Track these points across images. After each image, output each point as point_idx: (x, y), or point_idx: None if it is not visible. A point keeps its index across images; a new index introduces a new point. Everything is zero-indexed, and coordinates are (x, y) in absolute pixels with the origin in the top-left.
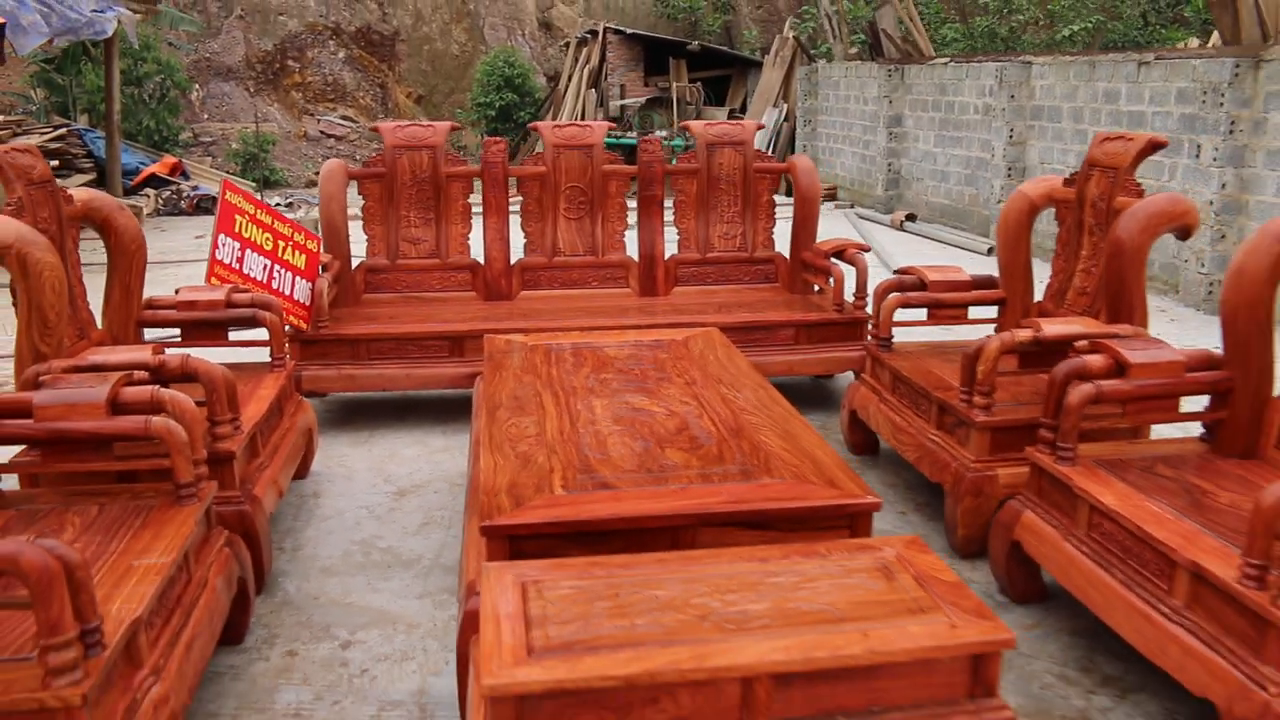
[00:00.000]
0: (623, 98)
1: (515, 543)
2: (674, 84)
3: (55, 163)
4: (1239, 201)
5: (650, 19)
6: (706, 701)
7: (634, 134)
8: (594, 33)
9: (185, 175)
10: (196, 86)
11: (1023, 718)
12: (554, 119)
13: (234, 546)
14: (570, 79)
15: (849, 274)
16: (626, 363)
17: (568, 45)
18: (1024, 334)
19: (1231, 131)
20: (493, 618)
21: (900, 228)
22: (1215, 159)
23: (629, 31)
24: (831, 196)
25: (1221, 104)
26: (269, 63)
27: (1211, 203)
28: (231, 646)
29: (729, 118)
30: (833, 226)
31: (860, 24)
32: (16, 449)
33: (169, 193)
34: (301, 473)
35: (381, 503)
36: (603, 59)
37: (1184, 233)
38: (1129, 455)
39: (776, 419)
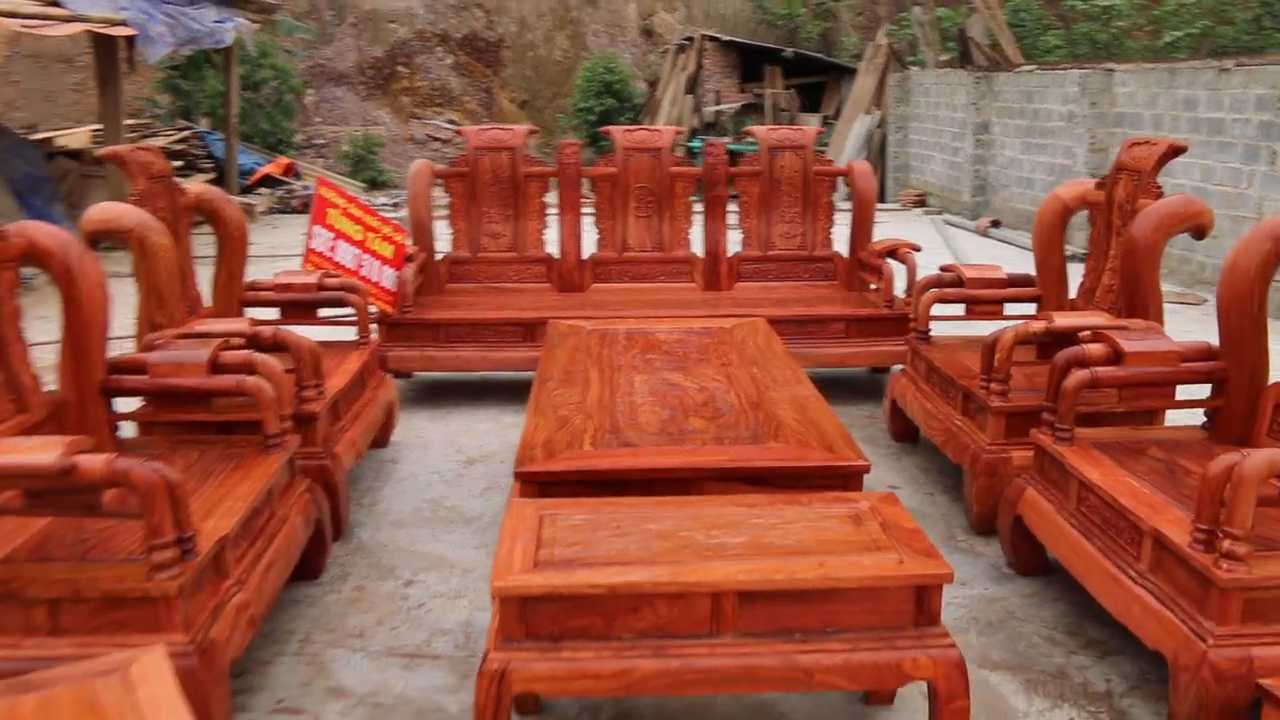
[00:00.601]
0: (718, 103)
1: (544, 488)
2: (768, 90)
3: (179, 163)
4: None
5: (750, 25)
6: (681, 613)
7: (728, 139)
8: (691, 39)
9: (298, 176)
10: (310, 91)
11: (1004, 670)
12: (651, 124)
13: (313, 494)
14: (668, 85)
15: (900, 272)
16: (673, 346)
17: (667, 52)
18: (1037, 325)
19: None
20: (510, 537)
21: (984, 234)
22: None
23: (725, 38)
24: (921, 202)
25: None
26: (379, 68)
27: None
28: (309, 581)
29: (822, 123)
30: (917, 232)
31: (951, 32)
32: (136, 404)
33: (281, 192)
34: (382, 441)
35: (451, 469)
36: (699, 65)
37: (1198, 233)
38: (1127, 439)
39: (796, 396)
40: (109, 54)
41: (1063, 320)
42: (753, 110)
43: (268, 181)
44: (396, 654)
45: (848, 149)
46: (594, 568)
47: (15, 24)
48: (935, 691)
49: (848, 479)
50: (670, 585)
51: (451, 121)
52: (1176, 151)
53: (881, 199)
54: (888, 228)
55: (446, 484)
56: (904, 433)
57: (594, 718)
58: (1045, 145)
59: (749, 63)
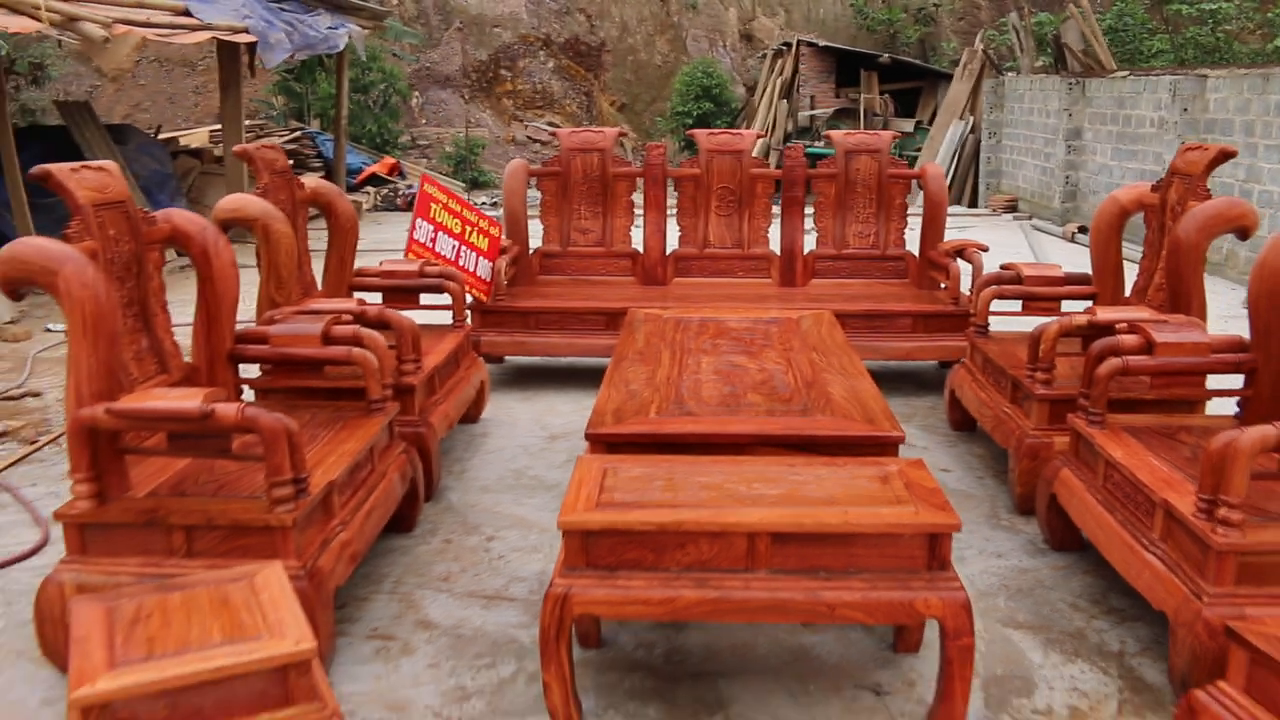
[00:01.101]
0: (813, 108)
1: (611, 449)
2: (863, 95)
3: (290, 161)
4: None
5: (850, 31)
6: (720, 550)
7: (822, 143)
8: (789, 45)
9: (402, 175)
10: (416, 93)
11: (1026, 630)
12: (748, 128)
13: (409, 456)
14: (764, 90)
15: (969, 272)
16: (741, 333)
17: (764, 57)
18: (1080, 319)
19: None
20: (577, 484)
21: (1072, 239)
22: None
23: (822, 44)
24: (1012, 208)
25: None
26: (483, 71)
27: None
28: (403, 534)
29: (916, 129)
30: (1004, 237)
31: (1047, 38)
32: (255, 372)
33: (387, 190)
34: (474, 417)
35: (536, 443)
36: (795, 70)
37: (1243, 234)
38: (1159, 425)
39: (849, 378)
40: (232, 60)
41: (1104, 314)
42: (847, 115)
43: (374, 180)
44: (477, 596)
45: (940, 154)
46: (647, 509)
47: (150, 33)
48: (944, 629)
49: (884, 448)
50: (712, 525)
51: (551, 124)
52: (1226, 156)
53: (973, 204)
54: (976, 233)
55: (530, 456)
56: (962, 422)
57: (649, 653)
58: (1136, 151)
59: (845, 68)
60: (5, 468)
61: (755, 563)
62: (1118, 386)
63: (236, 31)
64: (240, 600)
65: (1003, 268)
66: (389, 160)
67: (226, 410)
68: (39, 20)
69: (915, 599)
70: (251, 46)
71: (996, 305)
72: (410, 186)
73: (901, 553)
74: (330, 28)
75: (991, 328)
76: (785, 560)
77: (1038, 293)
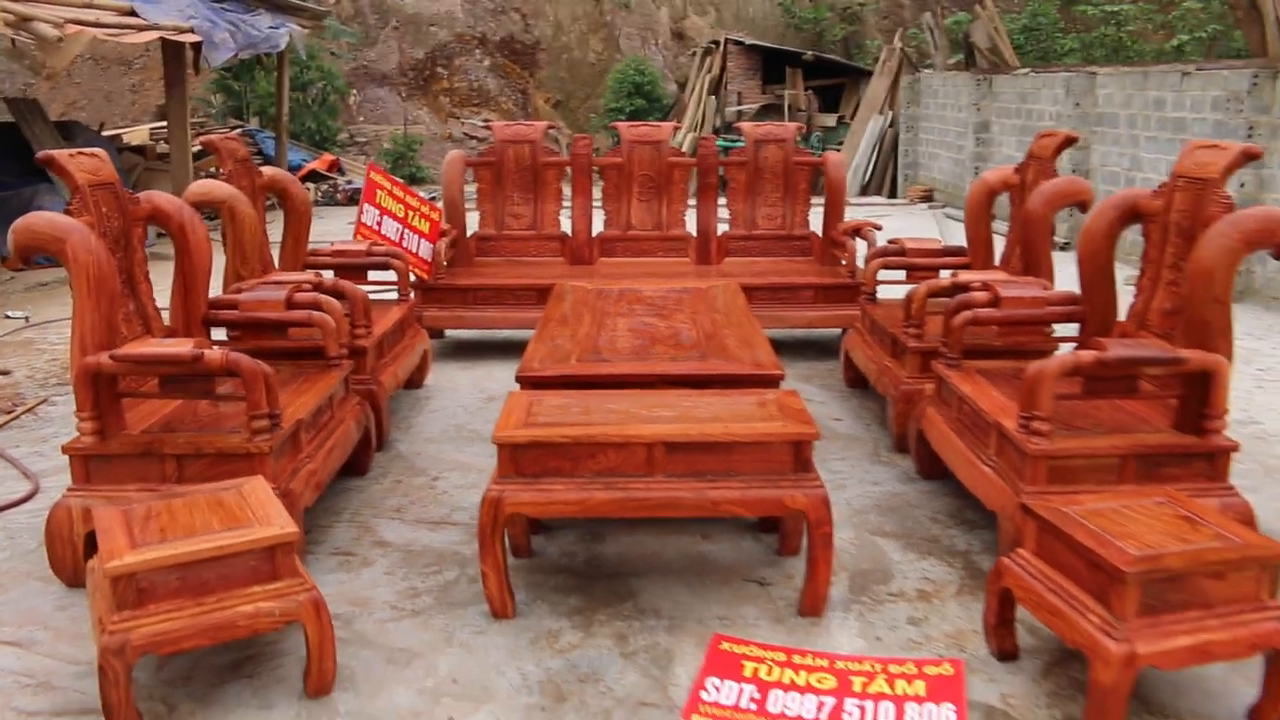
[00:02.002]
0: (740, 104)
1: (537, 388)
2: (788, 92)
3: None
4: (1257, 199)
5: (779, 29)
6: (625, 459)
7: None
8: (717, 43)
9: (341, 171)
10: (354, 91)
11: (890, 537)
12: (679, 123)
13: (363, 407)
14: (694, 87)
15: (864, 249)
16: (655, 300)
17: (695, 54)
18: (945, 281)
19: (1250, 136)
20: (508, 412)
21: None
22: None
23: (749, 42)
24: (928, 198)
25: (1241, 111)
26: (420, 70)
27: (1270, 205)
28: (358, 477)
29: (838, 124)
30: (919, 225)
31: (958, 37)
32: (223, 336)
33: (327, 186)
34: (418, 383)
35: (474, 404)
36: (724, 68)
37: (1082, 207)
38: (1005, 368)
39: (744, 332)
40: (177, 59)
41: (965, 276)
42: (773, 111)
43: (313, 177)
44: (425, 522)
45: (861, 147)
46: (564, 427)
47: (99, 32)
48: (808, 519)
49: (767, 384)
50: (617, 436)
51: (487, 121)
52: (1070, 142)
53: (893, 195)
54: (893, 220)
55: (469, 414)
56: (855, 380)
57: (572, 560)
58: None
59: (771, 65)
60: None
61: (653, 468)
62: (973, 336)
63: (182, 31)
64: (232, 502)
65: (889, 243)
66: (328, 157)
67: (212, 355)
68: None
69: (784, 495)
70: (196, 46)
71: (884, 275)
72: (350, 182)
73: (772, 458)
74: (271, 27)
75: (881, 296)
76: (677, 466)
77: (918, 263)
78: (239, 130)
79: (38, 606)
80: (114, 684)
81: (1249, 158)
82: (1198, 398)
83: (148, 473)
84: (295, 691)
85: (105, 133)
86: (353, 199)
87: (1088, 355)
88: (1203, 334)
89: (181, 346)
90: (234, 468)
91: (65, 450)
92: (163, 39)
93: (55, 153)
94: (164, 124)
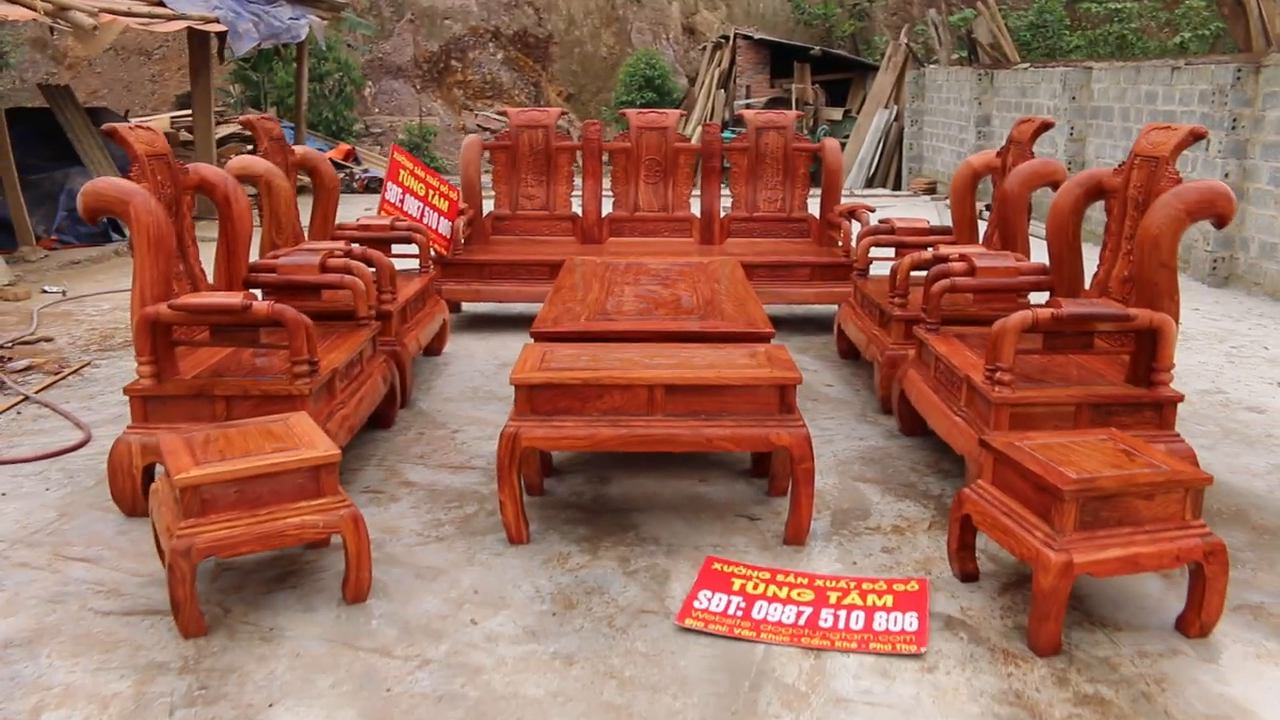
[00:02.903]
0: (748, 98)
1: (549, 342)
2: (795, 86)
3: (250, 147)
4: (1240, 189)
5: (788, 24)
6: (628, 399)
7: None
8: (726, 38)
9: (357, 160)
10: (369, 83)
11: (871, 483)
12: (688, 116)
13: (389, 364)
14: (704, 80)
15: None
16: (660, 272)
17: (705, 49)
18: (927, 253)
19: (1234, 128)
20: (523, 360)
21: (979, 216)
22: (1220, 151)
23: (757, 37)
24: (932, 190)
25: (1225, 104)
26: (434, 62)
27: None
28: (384, 430)
29: (844, 117)
30: (919, 214)
31: (961, 32)
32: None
33: (343, 175)
34: (437, 350)
35: (490, 369)
36: (733, 62)
37: (1054, 186)
38: (979, 332)
39: (740, 299)
40: (202, 48)
41: (945, 249)
42: (780, 104)
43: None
44: (446, 466)
45: (867, 141)
46: (574, 371)
47: (132, 22)
48: (791, 455)
49: (758, 340)
50: (621, 379)
51: (501, 113)
52: (1046, 127)
53: (897, 187)
54: (896, 212)
55: (485, 378)
56: (847, 351)
57: (580, 498)
58: None
59: (779, 60)
60: (41, 390)
61: (654, 408)
62: (951, 305)
63: (208, 22)
64: (280, 431)
65: (880, 222)
66: (344, 147)
67: (260, 305)
68: (34, 9)
69: (770, 433)
70: (221, 35)
71: (876, 254)
72: (366, 171)
73: (759, 400)
74: (292, 18)
75: (872, 273)
76: (676, 406)
77: (907, 241)
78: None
79: (101, 531)
80: (181, 582)
81: (1195, 137)
82: (1147, 353)
83: (199, 412)
84: (335, 599)
85: (130, 120)
86: (369, 187)
87: (1044, 311)
88: (1151, 295)
89: (232, 297)
90: (277, 408)
91: (126, 391)
92: (189, 28)
93: (117, 126)
94: (184, 113)
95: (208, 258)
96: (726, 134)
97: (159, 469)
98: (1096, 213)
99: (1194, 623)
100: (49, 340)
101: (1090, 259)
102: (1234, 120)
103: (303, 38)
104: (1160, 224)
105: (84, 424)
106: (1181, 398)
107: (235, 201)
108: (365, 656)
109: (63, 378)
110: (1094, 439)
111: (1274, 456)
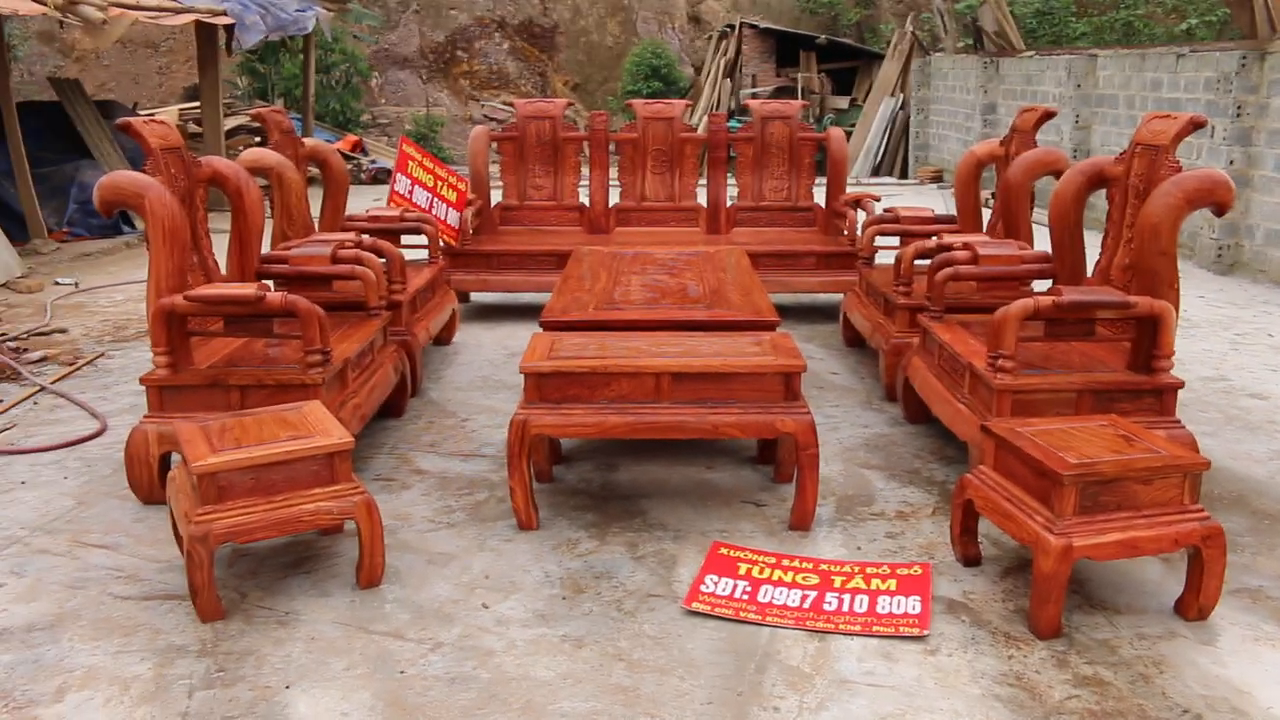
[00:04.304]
0: (754, 87)
1: (558, 331)
2: (801, 75)
3: (258, 139)
4: (1245, 175)
5: (793, 13)
6: (636, 387)
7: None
8: (732, 27)
9: (364, 151)
10: (376, 74)
11: (876, 469)
12: (695, 106)
13: (399, 354)
14: (710, 70)
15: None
16: (666, 261)
17: (711, 38)
18: (931, 242)
19: (1239, 115)
20: (533, 348)
21: (984, 205)
22: (1225, 138)
23: (763, 26)
24: (938, 179)
25: (1230, 91)
26: (440, 53)
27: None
28: (395, 419)
29: (851, 106)
30: (926, 202)
31: (967, 20)
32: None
33: (350, 166)
34: (446, 339)
35: (498, 358)
36: (738, 51)
37: (1057, 175)
38: (982, 320)
39: (746, 288)
40: (210, 41)
41: (949, 237)
42: (786, 94)
43: None
44: (457, 454)
45: (873, 129)
46: (582, 359)
47: (140, 15)
48: (797, 441)
49: (764, 328)
50: (629, 367)
51: (507, 103)
52: (1048, 116)
53: (904, 176)
54: (903, 200)
55: (494, 367)
56: (853, 339)
57: (589, 485)
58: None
59: (785, 49)
60: (56, 380)
61: (661, 395)
62: (954, 294)
63: (216, 14)
64: (295, 419)
65: (885, 211)
66: (352, 138)
67: (273, 297)
68: (44, 3)
69: (775, 420)
70: (229, 28)
71: (882, 243)
72: (374, 162)
73: (765, 387)
74: (299, 10)
75: (878, 262)
76: (682, 393)
77: (912, 229)
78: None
79: (119, 519)
80: (199, 567)
81: (1195, 126)
82: (1147, 340)
83: (214, 402)
84: (349, 584)
85: (139, 112)
86: (376, 179)
87: (1045, 299)
88: (1151, 283)
89: (246, 289)
90: (291, 397)
91: (143, 381)
92: (197, 22)
93: (131, 120)
94: (192, 105)
95: (219, 248)
96: (733, 123)
97: (175, 457)
98: (1099, 199)
99: (1192, 606)
100: (63, 332)
101: (1093, 246)
102: (1239, 107)
103: (310, 30)
104: (1160, 212)
105: (100, 414)
106: (1182, 384)
107: (247, 194)
108: (379, 640)
109: (77, 368)
110: (1094, 425)
111: (1275, 443)
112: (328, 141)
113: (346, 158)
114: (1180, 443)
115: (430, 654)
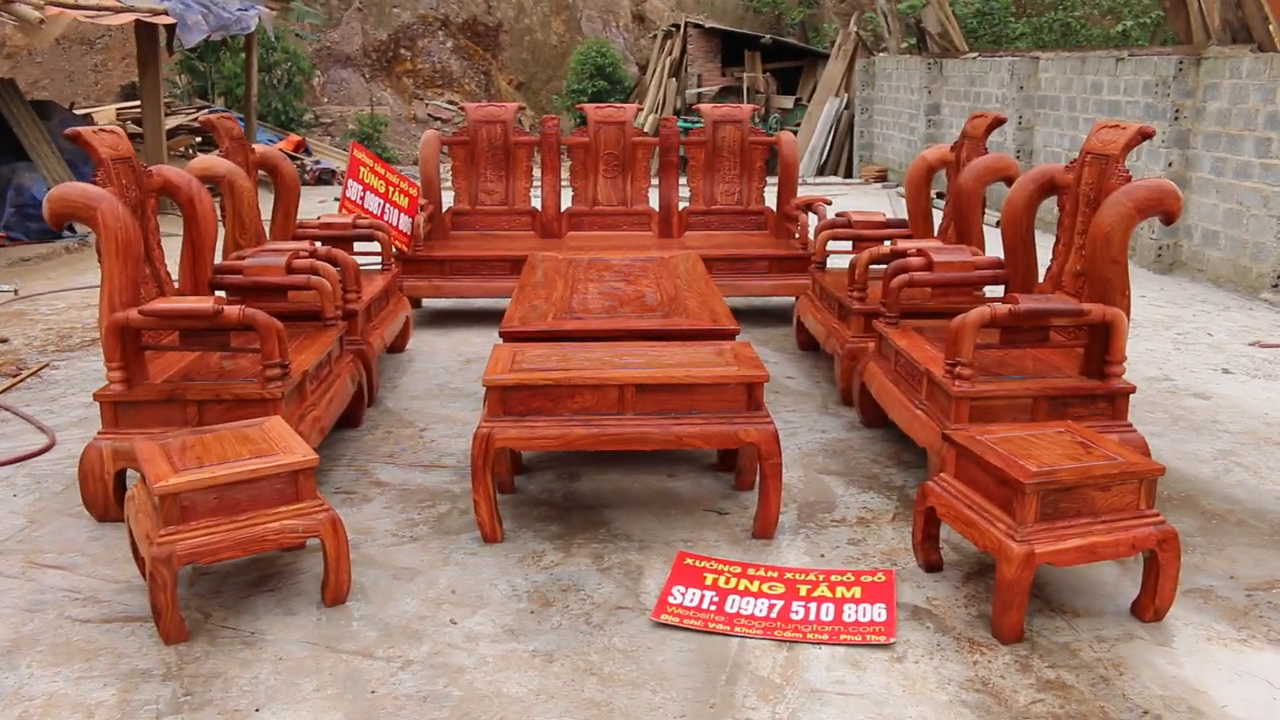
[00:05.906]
0: (699, 86)
1: (517, 342)
2: (746, 74)
3: (199, 139)
4: (1183, 177)
5: (738, 12)
6: (599, 399)
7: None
8: (677, 26)
9: (308, 152)
10: (318, 73)
11: (835, 475)
12: (640, 105)
13: (356, 364)
14: (655, 69)
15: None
16: (622, 268)
17: (655, 37)
18: (884, 248)
19: (1176, 118)
20: (495, 361)
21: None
22: (1163, 141)
23: (708, 25)
24: (883, 178)
25: (1168, 94)
26: (383, 51)
27: (1160, 177)
28: (353, 429)
29: (796, 106)
30: (872, 202)
31: (910, 20)
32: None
33: (295, 166)
34: (400, 347)
35: (454, 366)
36: (684, 51)
37: (1008, 181)
38: (937, 325)
39: (703, 295)
40: (150, 40)
41: (903, 243)
42: (732, 93)
43: None
44: (417, 465)
45: (818, 129)
46: (545, 371)
47: (80, 14)
48: (760, 451)
49: (723, 337)
50: (593, 379)
51: (452, 102)
52: (998, 122)
53: (848, 175)
54: (848, 199)
55: (450, 374)
56: (806, 343)
57: (551, 495)
58: None
59: (730, 48)
60: None
61: (625, 407)
62: (909, 299)
63: (157, 14)
64: (256, 436)
65: (837, 216)
66: (294, 138)
67: (230, 310)
68: None
69: (738, 430)
70: (170, 28)
71: (834, 246)
72: (318, 162)
73: (728, 398)
74: (241, 9)
75: (830, 265)
76: (646, 405)
77: (864, 234)
78: (207, 111)
79: (73, 538)
80: (162, 589)
81: (1144, 136)
82: (1100, 346)
83: (171, 417)
84: (314, 602)
85: (76, 112)
86: (321, 179)
87: (1002, 307)
88: (1103, 290)
89: (204, 303)
90: (249, 412)
91: (97, 397)
92: (137, 20)
93: (82, 130)
94: (130, 104)
95: (170, 256)
96: (681, 123)
97: (132, 474)
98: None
99: (1148, 608)
100: (4, 341)
101: (1043, 248)
102: (1177, 111)
103: (252, 29)
104: (1111, 221)
105: (47, 427)
106: (1133, 389)
107: (200, 203)
108: (348, 659)
109: (21, 380)
110: (1052, 432)
111: (1219, 442)
112: (270, 143)
113: (290, 158)
114: (1133, 447)
115: (400, 672)
